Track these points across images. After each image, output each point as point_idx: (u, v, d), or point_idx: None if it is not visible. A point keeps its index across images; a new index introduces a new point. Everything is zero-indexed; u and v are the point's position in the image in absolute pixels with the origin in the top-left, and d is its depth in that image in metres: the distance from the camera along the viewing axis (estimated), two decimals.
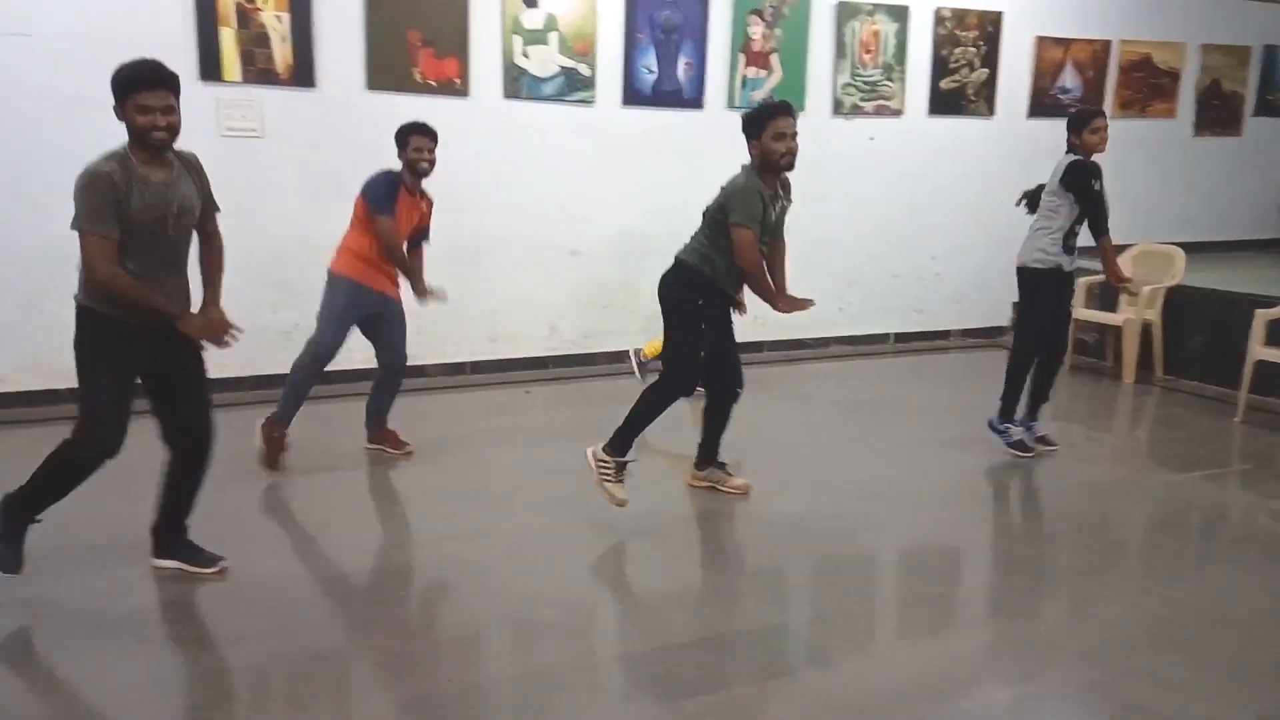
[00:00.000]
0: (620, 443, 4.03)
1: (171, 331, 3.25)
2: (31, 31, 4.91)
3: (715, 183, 7.65)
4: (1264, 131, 8.82)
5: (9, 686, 2.94)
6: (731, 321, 4.25)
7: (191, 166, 3.31)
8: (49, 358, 4.99)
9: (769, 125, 3.99)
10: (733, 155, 7.04)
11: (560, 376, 6.50)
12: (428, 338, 6.16)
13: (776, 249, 4.26)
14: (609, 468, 4.01)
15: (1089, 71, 7.83)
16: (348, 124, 5.68)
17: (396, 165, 4.49)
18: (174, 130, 3.12)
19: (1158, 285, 6.69)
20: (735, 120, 6.67)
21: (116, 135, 4.91)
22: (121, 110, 3.09)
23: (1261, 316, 5.72)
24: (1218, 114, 8.57)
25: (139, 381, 3.32)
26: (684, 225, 7.48)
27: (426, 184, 4.61)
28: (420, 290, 4.54)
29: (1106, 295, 6.97)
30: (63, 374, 5.09)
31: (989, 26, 7.40)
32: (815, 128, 7.04)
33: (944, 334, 7.84)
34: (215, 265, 3.47)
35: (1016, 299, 5.18)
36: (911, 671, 3.04)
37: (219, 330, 3.31)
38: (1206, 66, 8.39)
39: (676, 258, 4.19)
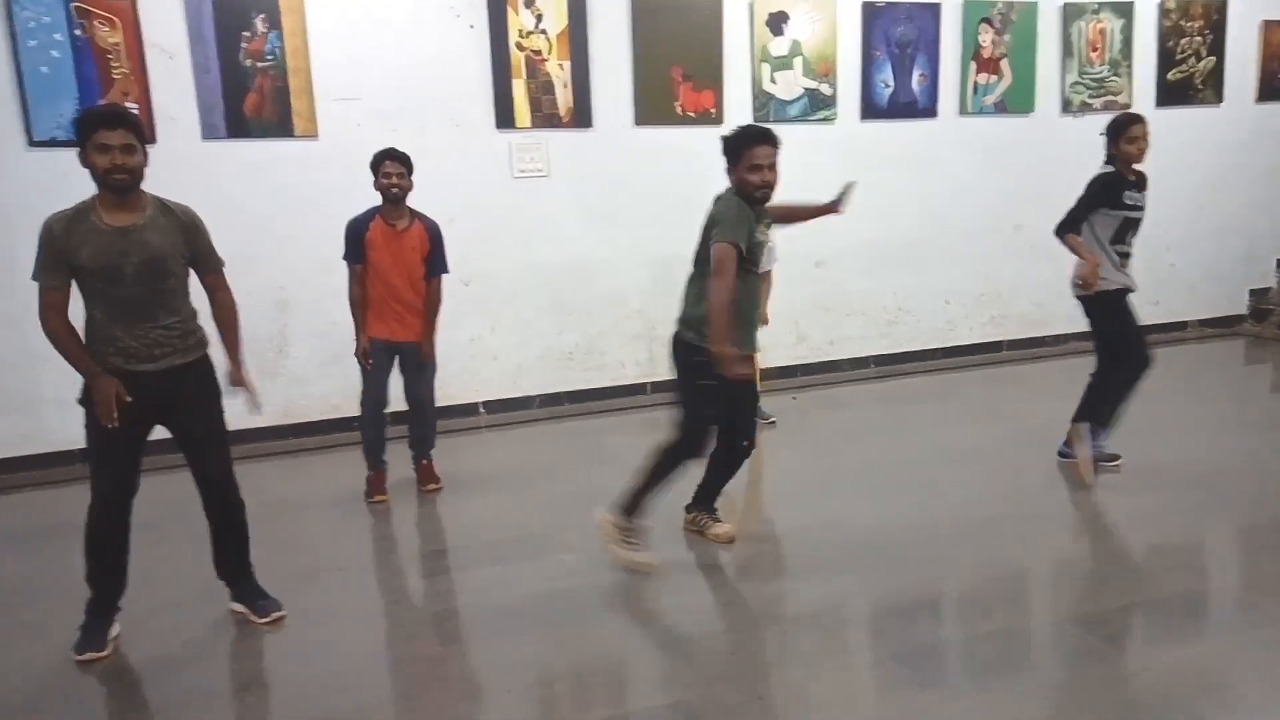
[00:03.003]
0: (631, 506, 3.76)
1: (175, 389, 3.17)
2: (360, 96, 5.50)
3: (947, 189, 7.82)
4: None
5: None
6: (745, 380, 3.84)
7: (175, 218, 3.14)
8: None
9: (745, 155, 3.54)
10: (967, 159, 7.22)
11: (808, 384, 6.80)
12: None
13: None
14: (629, 532, 3.76)
15: None
16: (619, 158, 6.12)
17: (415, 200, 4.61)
18: (135, 172, 2.99)
19: None
20: (968, 126, 6.94)
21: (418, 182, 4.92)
22: (84, 154, 2.98)
23: None
24: None
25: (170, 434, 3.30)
26: (919, 230, 7.68)
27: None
28: (426, 351, 4.58)
29: None
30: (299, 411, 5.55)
31: (1214, 15, 7.36)
32: (1045, 126, 7.17)
33: (1181, 325, 7.81)
34: (224, 323, 3.34)
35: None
36: None
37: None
38: None
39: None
